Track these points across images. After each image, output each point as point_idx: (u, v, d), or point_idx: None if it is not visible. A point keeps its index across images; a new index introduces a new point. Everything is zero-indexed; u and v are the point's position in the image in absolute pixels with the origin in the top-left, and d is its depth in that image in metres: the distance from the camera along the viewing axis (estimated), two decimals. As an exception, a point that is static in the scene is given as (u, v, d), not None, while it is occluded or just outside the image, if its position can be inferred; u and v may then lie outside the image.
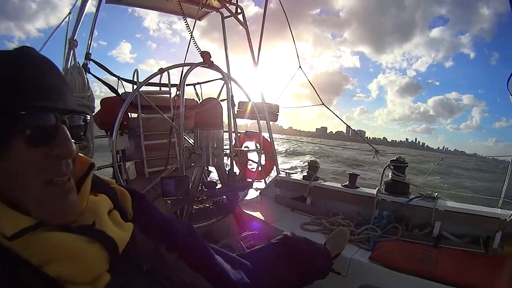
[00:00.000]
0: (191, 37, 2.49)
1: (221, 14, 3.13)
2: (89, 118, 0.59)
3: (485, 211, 1.98)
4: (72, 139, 0.51)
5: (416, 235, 2.06)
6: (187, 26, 2.42)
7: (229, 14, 3.05)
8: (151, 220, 0.78)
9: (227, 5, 2.98)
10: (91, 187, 0.62)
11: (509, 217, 1.86)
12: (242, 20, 3.05)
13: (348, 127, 3.77)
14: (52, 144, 0.48)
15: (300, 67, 3.16)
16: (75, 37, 2.33)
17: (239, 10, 3.04)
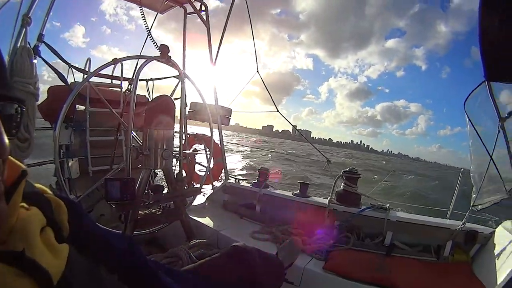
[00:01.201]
0: (149, 31, 2.34)
1: (184, 9, 3.03)
2: (25, 108, 0.48)
3: (435, 221, 2.07)
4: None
5: (368, 244, 2.05)
6: (143, 17, 2.26)
7: (193, 11, 2.95)
8: (88, 236, 0.65)
9: (192, 1, 2.88)
10: (21, 198, 0.48)
11: (459, 227, 1.95)
12: (205, 18, 2.96)
13: (294, 127, 3.93)
14: None
15: (258, 71, 3.12)
16: (30, 14, 2.00)
17: (203, 8, 2.95)
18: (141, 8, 2.31)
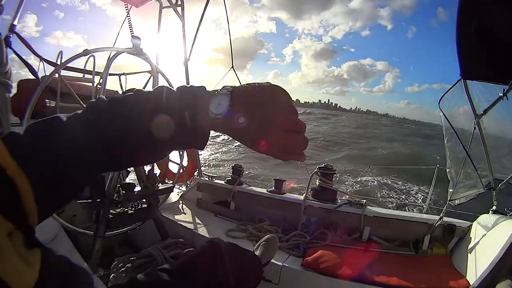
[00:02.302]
0: (129, 22, 2.26)
1: (160, 3, 2.93)
2: None
3: (412, 216, 2.09)
4: None
5: (345, 240, 2.02)
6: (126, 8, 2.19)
7: (168, 5, 2.87)
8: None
9: (168, -6, 2.79)
10: None
11: (437, 221, 1.97)
12: (180, 13, 2.88)
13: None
14: None
15: (232, 67, 3.11)
16: (2, 2, 1.91)
17: (179, 2, 2.87)
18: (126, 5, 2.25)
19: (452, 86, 2.06)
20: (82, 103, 2.01)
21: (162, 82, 2.32)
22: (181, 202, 2.72)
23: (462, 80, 1.95)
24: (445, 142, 2.17)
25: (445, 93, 2.13)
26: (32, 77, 2.62)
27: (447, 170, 2.20)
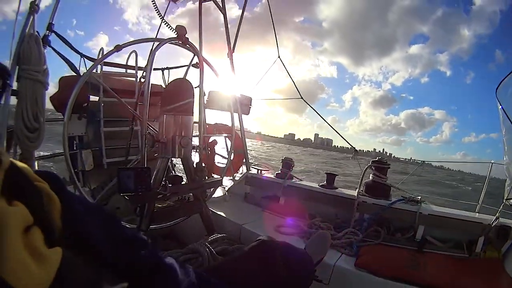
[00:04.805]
0: (162, 18, 2.24)
1: (200, -3, 2.88)
2: None
3: (467, 215, 1.95)
4: None
5: (398, 239, 1.95)
6: (153, 4, 2.17)
7: (209, -3, 2.81)
8: (91, 237, 0.51)
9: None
10: (3, 188, 0.37)
11: (493, 222, 1.85)
12: (221, 4, 2.83)
13: (327, 122, 3.55)
14: None
15: (279, 57, 3.01)
16: (37, 1, 1.92)
17: (219, -6, 2.82)
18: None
19: (510, 73, 1.90)
20: (118, 97, 1.98)
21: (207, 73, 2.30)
22: (228, 196, 2.71)
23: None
24: (503, 135, 2.01)
25: (501, 81, 1.96)
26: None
27: (505, 166, 2.04)
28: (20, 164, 0.43)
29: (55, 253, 0.38)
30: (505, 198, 1.95)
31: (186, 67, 2.94)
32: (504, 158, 2.04)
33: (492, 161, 2.69)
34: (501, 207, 1.94)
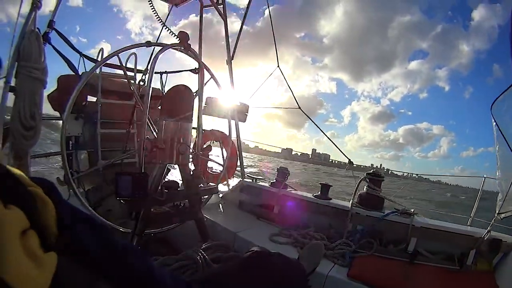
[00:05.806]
0: (164, 24, 2.24)
1: (201, 2, 2.89)
2: None
3: (459, 228, 1.99)
4: None
5: (391, 250, 1.97)
6: (152, 8, 2.18)
7: (210, 4, 2.83)
8: (84, 245, 0.52)
9: (209, -8, 2.77)
10: None
11: (484, 235, 1.88)
12: (222, 11, 2.84)
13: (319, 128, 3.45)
14: None
15: (278, 66, 3.02)
16: None
17: (220, 1, 2.83)
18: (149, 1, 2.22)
19: (505, 90, 1.93)
20: (119, 99, 2.00)
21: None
22: (222, 203, 2.71)
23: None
24: (496, 150, 2.04)
25: (497, 98, 2.00)
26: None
27: (497, 181, 2.07)
28: (15, 170, 0.44)
29: (51, 258, 0.40)
30: (497, 212, 1.98)
31: (184, 71, 2.94)
32: (497, 173, 2.07)
33: (485, 176, 2.73)
34: (493, 221, 1.96)
